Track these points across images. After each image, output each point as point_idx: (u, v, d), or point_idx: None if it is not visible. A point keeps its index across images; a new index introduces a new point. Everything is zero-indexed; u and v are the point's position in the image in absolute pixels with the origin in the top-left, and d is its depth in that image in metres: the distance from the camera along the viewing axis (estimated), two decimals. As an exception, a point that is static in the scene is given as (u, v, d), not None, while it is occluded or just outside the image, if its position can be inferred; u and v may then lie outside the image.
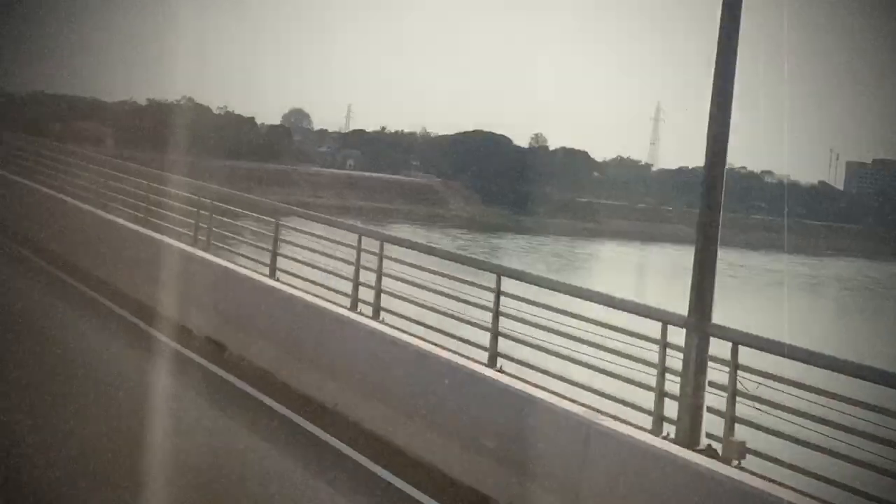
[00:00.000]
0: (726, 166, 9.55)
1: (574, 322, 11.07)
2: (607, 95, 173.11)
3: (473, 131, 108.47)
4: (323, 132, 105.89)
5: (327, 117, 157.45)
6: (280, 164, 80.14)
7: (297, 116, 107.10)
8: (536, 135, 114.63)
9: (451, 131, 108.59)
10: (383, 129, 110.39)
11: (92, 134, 75.32)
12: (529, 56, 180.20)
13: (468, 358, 11.23)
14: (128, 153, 72.83)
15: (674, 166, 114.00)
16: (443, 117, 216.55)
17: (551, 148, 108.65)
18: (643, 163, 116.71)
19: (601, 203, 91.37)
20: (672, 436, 9.36)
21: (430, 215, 76.06)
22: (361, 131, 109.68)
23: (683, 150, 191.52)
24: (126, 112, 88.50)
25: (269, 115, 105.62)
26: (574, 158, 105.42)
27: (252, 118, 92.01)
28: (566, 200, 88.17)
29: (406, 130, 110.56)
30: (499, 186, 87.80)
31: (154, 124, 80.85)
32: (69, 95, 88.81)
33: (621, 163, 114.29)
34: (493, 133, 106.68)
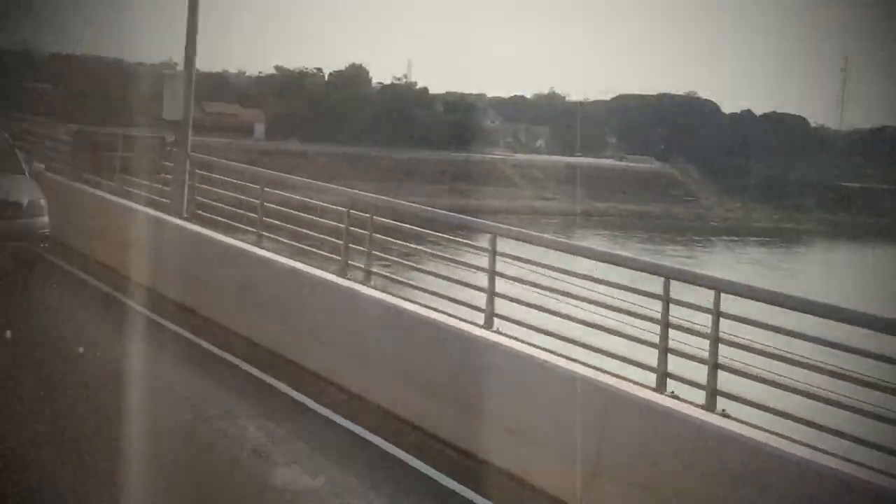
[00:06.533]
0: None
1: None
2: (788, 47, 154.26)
3: (658, 95, 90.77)
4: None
5: (382, 74, 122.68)
6: (464, 151, 62.60)
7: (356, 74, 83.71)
8: (688, 94, 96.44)
9: (587, 97, 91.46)
10: (552, 91, 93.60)
11: (232, 121, 60.64)
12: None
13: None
14: (280, 144, 58.19)
15: (847, 128, 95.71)
16: (571, 79, 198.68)
17: (757, 113, 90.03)
18: (814, 125, 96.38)
19: (865, 188, 70.40)
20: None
21: (690, 220, 57.60)
22: (522, 98, 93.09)
23: (866, 108, 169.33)
24: (264, 86, 73.52)
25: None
26: (788, 127, 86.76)
27: (425, 88, 73.96)
28: (830, 188, 68.08)
29: (552, 94, 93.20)
30: (728, 170, 69.03)
31: (297, 100, 65.79)
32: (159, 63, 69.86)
33: (812, 129, 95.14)
34: (691, 98, 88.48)
